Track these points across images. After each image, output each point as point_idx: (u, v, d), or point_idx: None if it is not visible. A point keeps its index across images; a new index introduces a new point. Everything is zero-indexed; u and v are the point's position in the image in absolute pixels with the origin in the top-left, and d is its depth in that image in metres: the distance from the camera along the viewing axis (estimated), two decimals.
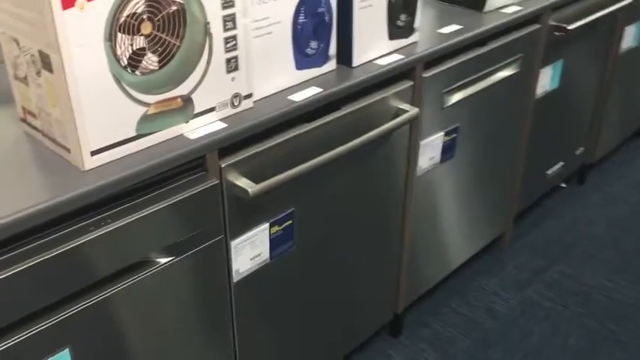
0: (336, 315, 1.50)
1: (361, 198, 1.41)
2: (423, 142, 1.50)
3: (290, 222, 1.23)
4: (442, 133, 1.54)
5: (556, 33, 1.82)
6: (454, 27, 1.52)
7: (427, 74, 1.42)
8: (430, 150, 1.53)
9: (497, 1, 1.63)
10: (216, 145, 1.04)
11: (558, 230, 2.23)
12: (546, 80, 1.92)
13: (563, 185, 2.48)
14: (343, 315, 1.52)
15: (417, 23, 1.40)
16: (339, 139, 1.25)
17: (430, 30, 1.50)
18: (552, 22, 1.79)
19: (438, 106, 1.49)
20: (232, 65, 1.05)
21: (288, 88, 1.20)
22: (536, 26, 1.73)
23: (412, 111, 1.36)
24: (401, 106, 1.37)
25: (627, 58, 2.27)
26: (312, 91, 1.19)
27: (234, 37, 1.03)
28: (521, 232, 2.19)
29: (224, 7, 1.00)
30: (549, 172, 2.21)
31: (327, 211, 1.33)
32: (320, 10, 1.19)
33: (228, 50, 1.03)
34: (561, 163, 2.25)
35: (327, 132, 1.24)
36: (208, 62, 1.01)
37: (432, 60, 1.43)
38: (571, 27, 1.79)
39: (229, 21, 1.01)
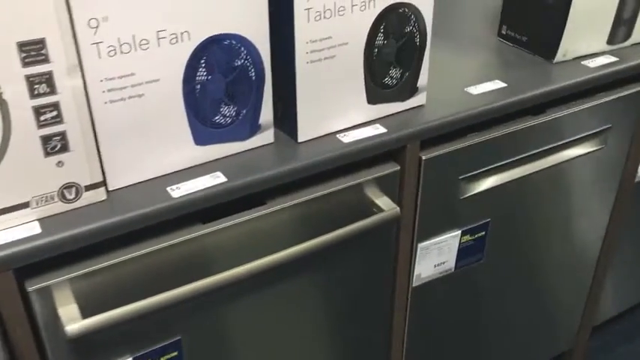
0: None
1: (334, 318, 1.03)
2: (422, 245, 1.06)
3: None
4: (458, 232, 1.09)
5: None
6: (494, 85, 1.06)
7: (428, 155, 0.98)
8: (436, 254, 1.09)
9: (579, 47, 1.13)
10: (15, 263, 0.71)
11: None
12: None
13: None
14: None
15: (422, 80, 0.97)
16: (261, 247, 0.88)
17: (456, 87, 1.05)
18: None
19: (450, 196, 1.05)
20: (55, 145, 0.71)
21: (184, 170, 0.84)
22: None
23: (389, 211, 0.93)
24: (377, 201, 0.95)
25: None
26: (210, 181, 0.82)
27: (54, 106, 0.69)
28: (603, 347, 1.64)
29: (25, 65, 0.66)
30: None
31: None
32: (238, 62, 0.81)
33: (43, 124, 0.69)
34: None
35: (226, 239, 0.86)
36: (4, 140, 0.68)
37: (445, 134, 0.99)
38: None
39: (40, 83, 0.67)
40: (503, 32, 1.22)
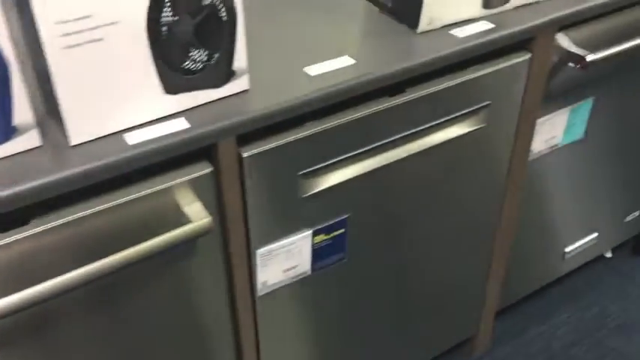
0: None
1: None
2: (261, 251, 0.92)
3: None
4: (309, 232, 0.95)
5: (571, 64, 1.12)
6: (340, 62, 0.90)
7: (251, 152, 0.83)
8: (284, 258, 0.95)
9: (446, 13, 0.97)
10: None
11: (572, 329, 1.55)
12: (557, 131, 1.22)
13: (608, 255, 1.76)
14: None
15: (240, 61, 0.81)
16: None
17: (294, 67, 0.89)
18: (564, 46, 1.09)
19: (290, 195, 0.90)
20: None
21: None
22: (524, 56, 1.05)
23: (198, 222, 0.78)
24: (186, 209, 0.80)
25: None
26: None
27: None
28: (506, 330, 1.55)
29: None
30: (569, 249, 1.52)
31: None
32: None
33: None
34: (595, 235, 1.55)
35: None
36: None
37: (280, 125, 0.84)
38: (591, 57, 1.08)
39: None
40: None
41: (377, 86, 0.89)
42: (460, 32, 0.97)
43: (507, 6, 1.02)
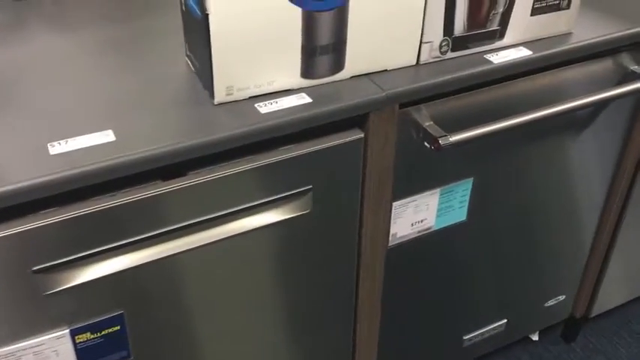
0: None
1: None
2: None
3: None
4: (65, 331, 0.81)
5: (426, 144, 0.95)
6: (95, 138, 0.74)
7: None
8: None
9: (251, 84, 0.80)
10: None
11: None
12: (427, 214, 1.05)
13: (535, 338, 1.56)
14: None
15: None
16: None
17: (39, 141, 0.73)
18: (421, 123, 0.92)
19: (26, 292, 0.74)
20: None
21: None
22: (355, 135, 0.87)
23: None
24: None
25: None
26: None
27: None
28: None
29: None
30: (468, 336, 1.33)
31: None
32: None
33: None
34: (503, 321, 1.36)
35: None
36: None
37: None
38: (446, 141, 0.91)
39: None
40: (187, 52, 0.91)
41: (133, 171, 0.74)
42: (267, 107, 0.81)
43: (340, 75, 0.87)
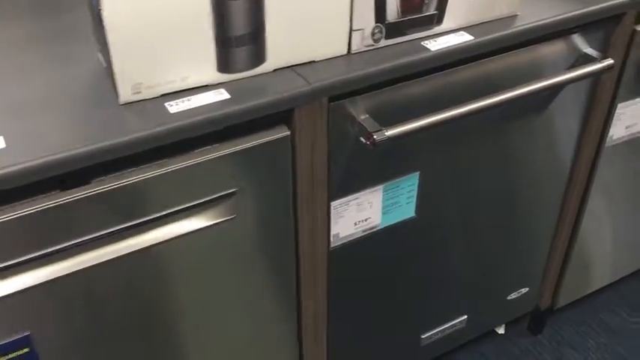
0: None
1: None
2: None
3: None
4: None
5: (362, 139, 0.88)
6: None
7: None
8: None
9: (159, 81, 0.73)
10: None
11: None
12: (372, 212, 0.99)
13: (501, 332, 1.51)
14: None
15: None
16: None
17: None
18: (356, 117, 0.86)
19: None
20: None
21: None
22: (279, 133, 0.81)
23: None
24: None
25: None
26: None
27: None
28: None
29: None
30: (425, 335, 1.28)
31: None
32: None
33: None
34: (463, 317, 1.31)
35: None
36: None
37: None
38: (381, 137, 0.84)
39: None
40: (98, 50, 0.84)
41: (23, 182, 0.67)
42: (177, 106, 0.74)
43: (262, 68, 0.80)
